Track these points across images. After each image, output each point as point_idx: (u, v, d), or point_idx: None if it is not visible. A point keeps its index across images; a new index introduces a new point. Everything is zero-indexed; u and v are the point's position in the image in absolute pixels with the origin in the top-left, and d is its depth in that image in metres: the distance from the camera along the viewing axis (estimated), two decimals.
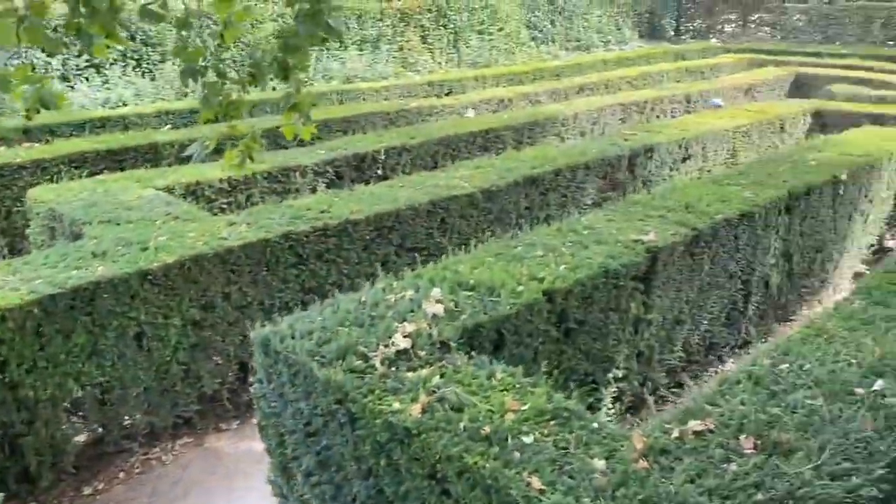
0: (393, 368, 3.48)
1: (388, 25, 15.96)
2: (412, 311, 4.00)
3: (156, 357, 5.05)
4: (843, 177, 7.05)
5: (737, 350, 6.53)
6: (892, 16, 24.07)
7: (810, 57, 18.86)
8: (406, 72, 15.63)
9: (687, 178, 9.18)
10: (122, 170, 7.81)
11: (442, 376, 3.41)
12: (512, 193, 7.03)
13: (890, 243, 9.41)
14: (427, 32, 16.79)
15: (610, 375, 5.04)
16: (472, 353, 3.93)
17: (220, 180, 7.20)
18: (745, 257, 6.04)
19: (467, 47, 17.30)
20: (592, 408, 4.95)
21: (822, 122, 11.44)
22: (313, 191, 7.82)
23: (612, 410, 5.17)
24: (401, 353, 3.59)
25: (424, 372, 3.42)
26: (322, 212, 5.87)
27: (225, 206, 7.28)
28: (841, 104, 11.51)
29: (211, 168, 7.20)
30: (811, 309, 7.53)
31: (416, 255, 6.34)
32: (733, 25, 24.85)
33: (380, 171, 8.40)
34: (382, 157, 8.38)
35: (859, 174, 7.38)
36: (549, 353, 4.48)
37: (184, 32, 3.51)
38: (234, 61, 13.59)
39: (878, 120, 10.83)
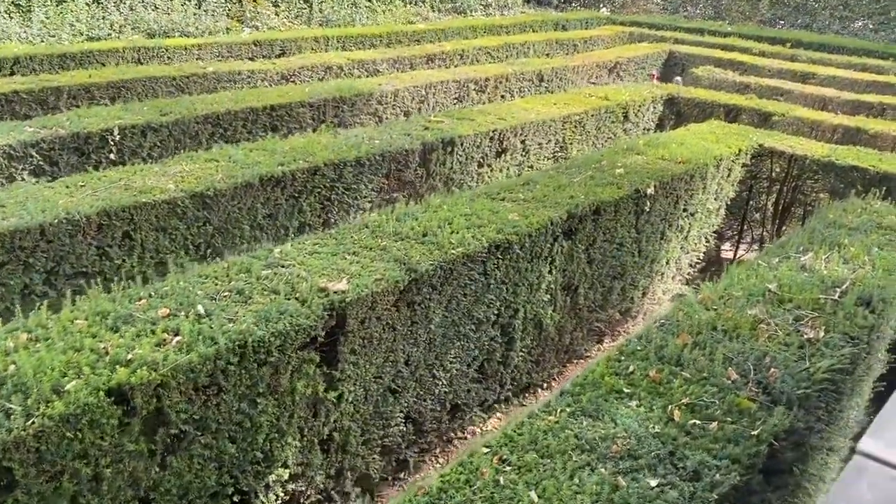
0: None
1: None
2: None
3: None
4: (650, 191, 5.88)
5: (501, 405, 5.33)
6: None
7: (693, 34, 17.94)
8: (242, 28, 13.71)
9: (503, 176, 7.92)
10: None
11: None
12: (243, 198, 5.54)
13: (729, 254, 8.47)
14: None
15: (271, 478, 3.69)
16: None
17: None
18: (503, 297, 4.79)
19: (322, 3, 15.43)
20: None
21: (677, 111, 10.39)
22: (10, 181, 6.12)
23: None
24: None
25: None
26: None
27: None
28: (697, 92, 10.44)
29: None
30: (615, 340, 6.44)
31: (84, 283, 4.80)
32: None
33: (113, 157, 6.74)
34: (116, 138, 6.70)
35: (674, 186, 6.24)
36: (133, 475, 3.07)
37: None
38: None
39: (731, 112, 9.85)
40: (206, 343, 3.20)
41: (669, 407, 3.03)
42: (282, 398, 3.58)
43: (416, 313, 4.18)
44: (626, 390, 3.15)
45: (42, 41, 11.05)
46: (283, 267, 3.98)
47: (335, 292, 3.76)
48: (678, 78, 13.02)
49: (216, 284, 3.75)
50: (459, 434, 5.06)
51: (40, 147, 6.27)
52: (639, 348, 3.45)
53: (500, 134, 7.66)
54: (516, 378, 5.28)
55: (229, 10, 13.77)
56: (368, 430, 4.17)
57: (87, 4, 11.99)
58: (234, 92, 8.18)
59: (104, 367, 2.99)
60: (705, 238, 7.26)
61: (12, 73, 9.38)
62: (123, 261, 4.97)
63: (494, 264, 4.60)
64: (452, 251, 4.33)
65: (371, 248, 4.30)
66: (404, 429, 4.42)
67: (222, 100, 7.70)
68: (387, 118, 9.23)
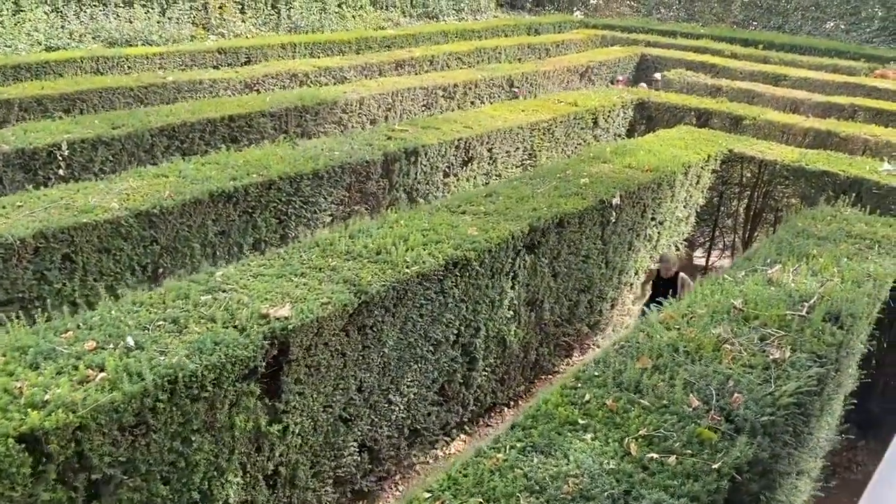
0: None
1: None
2: None
3: None
4: (615, 200, 5.73)
5: (465, 427, 5.14)
6: None
7: (665, 36, 17.89)
8: (208, 36, 13.42)
9: (470, 185, 7.74)
10: None
11: None
12: (192, 215, 5.30)
13: (701, 261, 8.33)
14: None
15: None
16: None
17: None
18: (462, 316, 4.60)
19: (290, 9, 15.17)
20: None
21: (648, 116, 10.27)
22: None
23: None
24: None
25: None
26: None
27: None
28: (667, 97, 10.33)
29: None
30: (584, 354, 6.28)
31: (16, 310, 4.53)
32: None
33: (62, 173, 6.47)
34: (65, 153, 6.44)
35: (641, 195, 6.09)
36: None
37: None
38: None
39: (703, 116, 9.74)
40: (132, 380, 2.98)
41: (626, 439, 2.85)
42: (220, 434, 3.36)
43: (367, 337, 3.98)
44: (581, 422, 2.97)
45: None
46: (223, 292, 3.76)
47: (277, 319, 3.54)
48: (657, 75, 12.80)
49: (150, 313, 3.52)
50: (421, 459, 4.85)
51: None
52: (596, 374, 3.27)
53: (465, 142, 7.48)
54: (480, 398, 5.10)
55: (194, 17, 13.48)
56: (319, 462, 3.96)
57: (45, 13, 11.67)
58: (192, 102, 7.93)
59: (16, 411, 2.76)
60: (675, 246, 7.12)
61: None
62: (64, 285, 4.72)
63: (452, 282, 4.41)
64: (406, 270, 4.14)
65: (320, 269, 4.10)
66: (359, 458, 4.22)
67: (179, 111, 7.45)
68: (352, 127, 9.02)
